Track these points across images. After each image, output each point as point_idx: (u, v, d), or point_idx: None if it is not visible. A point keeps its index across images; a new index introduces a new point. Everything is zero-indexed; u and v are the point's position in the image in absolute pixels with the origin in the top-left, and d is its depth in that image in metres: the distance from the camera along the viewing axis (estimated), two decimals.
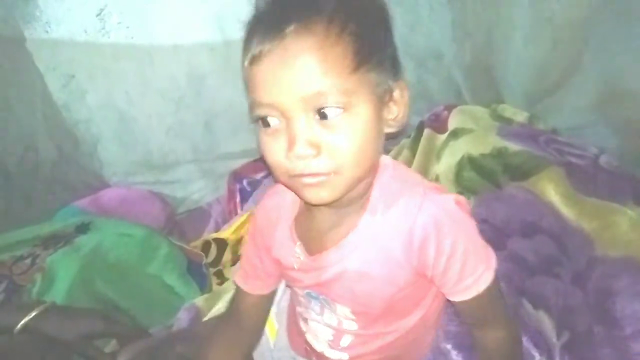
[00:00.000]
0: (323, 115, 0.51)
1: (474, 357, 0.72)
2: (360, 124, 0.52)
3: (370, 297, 0.62)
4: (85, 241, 1.13)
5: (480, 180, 1.03)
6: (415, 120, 1.36)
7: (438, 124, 1.28)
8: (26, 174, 1.46)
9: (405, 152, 1.26)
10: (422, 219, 0.57)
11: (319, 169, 0.52)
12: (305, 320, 0.72)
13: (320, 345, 0.71)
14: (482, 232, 0.91)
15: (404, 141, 1.33)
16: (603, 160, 1.06)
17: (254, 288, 0.75)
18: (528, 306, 0.77)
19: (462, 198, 0.62)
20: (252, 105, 0.54)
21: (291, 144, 0.51)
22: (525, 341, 0.71)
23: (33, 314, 0.82)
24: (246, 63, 0.53)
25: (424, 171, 1.17)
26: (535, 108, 1.27)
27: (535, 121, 1.25)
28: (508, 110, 1.30)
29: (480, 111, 1.30)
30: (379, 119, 0.55)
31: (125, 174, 1.59)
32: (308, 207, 0.64)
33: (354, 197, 0.60)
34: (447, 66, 1.44)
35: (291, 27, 0.49)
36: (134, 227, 1.23)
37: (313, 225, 0.64)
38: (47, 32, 1.40)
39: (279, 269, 0.71)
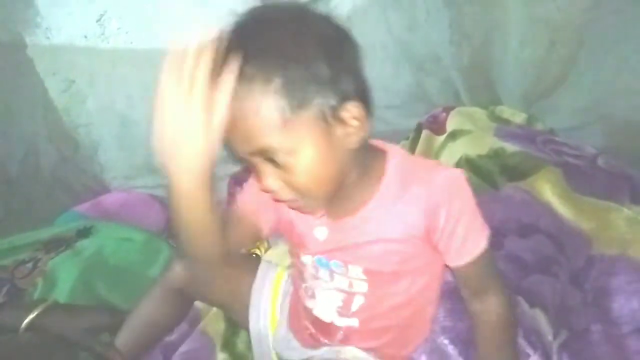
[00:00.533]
0: (273, 163, 0.57)
1: (469, 351, 0.73)
2: (309, 160, 0.57)
3: (383, 258, 0.68)
4: (86, 245, 1.14)
5: (477, 181, 1.04)
6: (414, 123, 1.37)
7: (436, 125, 1.28)
8: (27, 178, 1.47)
9: None
10: (435, 186, 0.64)
11: (286, 198, 0.61)
12: (313, 294, 0.74)
13: (329, 315, 0.73)
14: None
15: (402, 143, 1.34)
16: (601, 160, 1.06)
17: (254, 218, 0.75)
18: (524, 305, 0.78)
19: (465, 175, 0.68)
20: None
21: (258, 182, 0.61)
22: (520, 339, 0.72)
23: (37, 311, 0.83)
24: None
25: None
26: (533, 109, 1.28)
27: (533, 122, 1.25)
28: (506, 112, 1.31)
29: (478, 112, 1.30)
30: (331, 143, 0.58)
31: (126, 177, 1.60)
32: None
33: (361, 178, 0.65)
34: (445, 68, 1.44)
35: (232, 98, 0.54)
36: (135, 231, 1.24)
37: (337, 198, 0.66)
38: (47, 38, 1.42)
39: (283, 224, 0.74)
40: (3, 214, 1.46)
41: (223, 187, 1.61)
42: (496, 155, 1.08)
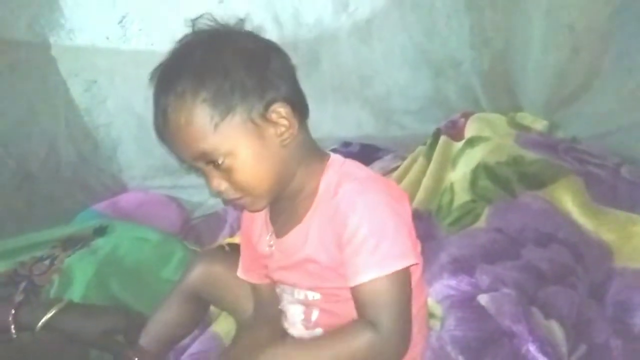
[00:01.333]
0: (215, 166, 0.64)
1: None
2: (244, 160, 0.64)
3: (320, 276, 0.69)
4: (102, 244, 1.15)
5: (495, 188, 1.01)
6: (432, 128, 1.35)
7: (455, 131, 1.26)
8: (48, 176, 1.50)
9: (421, 159, 1.25)
10: (340, 201, 0.64)
11: (231, 197, 0.66)
12: (284, 314, 0.77)
13: (297, 330, 0.75)
14: (495, 242, 0.92)
15: (419, 148, 1.32)
16: (624, 170, 1.03)
17: (254, 277, 0.83)
18: (539, 315, 0.75)
19: (398, 194, 0.68)
20: None
21: (208, 186, 0.66)
22: (534, 350, 0.69)
23: (53, 311, 0.84)
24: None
25: (439, 178, 1.16)
26: (555, 116, 1.25)
27: (555, 129, 1.23)
28: (527, 118, 1.29)
29: (498, 119, 1.28)
30: (264, 142, 0.64)
31: (143, 177, 1.61)
32: (277, 198, 0.73)
33: (296, 192, 0.70)
34: (464, 73, 1.43)
35: (164, 107, 0.62)
36: (150, 231, 1.24)
37: (281, 212, 0.74)
38: (71, 39, 1.45)
39: (260, 260, 0.79)
40: (24, 210, 1.49)
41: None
42: (515, 162, 1.05)
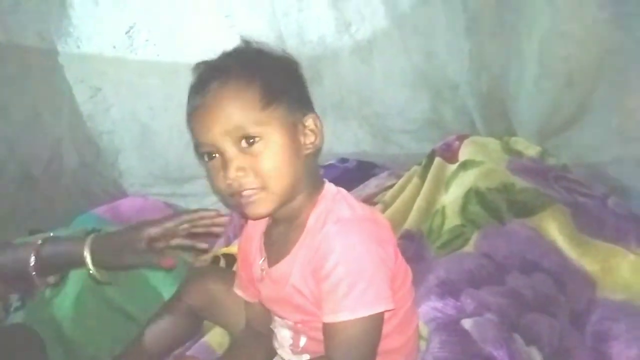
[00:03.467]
0: (250, 143, 0.65)
1: None
2: (276, 148, 0.66)
3: (304, 312, 0.70)
4: None
5: (484, 214, 1.04)
6: (428, 147, 1.38)
7: (449, 153, 1.29)
8: (50, 179, 1.53)
9: (415, 180, 1.28)
10: (322, 239, 0.66)
11: (248, 186, 0.66)
12: (276, 335, 0.79)
13: (286, 353, 0.77)
14: (482, 267, 0.94)
15: (414, 168, 1.35)
16: (611, 201, 1.06)
17: (249, 295, 0.84)
18: (520, 342, 0.78)
19: (381, 237, 0.68)
20: (196, 145, 0.69)
21: (225, 169, 0.66)
22: None
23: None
24: (188, 115, 0.69)
25: (432, 200, 1.18)
26: (548, 143, 1.28)
27: (547, 156, 1.25)
28: (520, 144, 1.31)
29: (492, 143, 1.30)
30: (294, 143, 0.68)
31: (143, 184, 1.64)
32: (273, 222, 0.77)
33: (292, 217, 0.72)
34: (462, 96, 1.45)
35: (214, 85, 0.66)
36: None
37: (275, 240, 0.75)
38: (78, 46, 1.48)
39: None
40: (26, 212, 1.52)
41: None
42: (506, 189, 1.08)
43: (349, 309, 0.63)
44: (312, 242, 0.67)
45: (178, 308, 0.93)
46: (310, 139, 0.69)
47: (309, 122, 0.69)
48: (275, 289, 0.73)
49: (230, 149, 0.65)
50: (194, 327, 0.98)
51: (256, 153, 0.65)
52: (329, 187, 0.73)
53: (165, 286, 1.14)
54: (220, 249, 1.47)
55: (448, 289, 0.89)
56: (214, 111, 0.65)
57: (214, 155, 0.67)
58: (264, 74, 0.67)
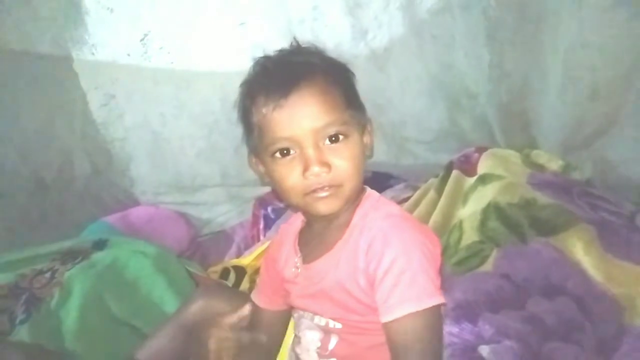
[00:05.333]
0: (332, 141, 0.67)
1: None
2: (355, 147, 0.69)
3: (345, 308, 0.70)
4: (101, 257, 1.16)
5: (505, 231, 0.99)
6: (445, 158, 1.33)
7: (468, 166, 1.24)
8: (61, 186, 1.53)
9: (432, 193, 1.23)
10: (376, 235, 0.67)
11: (329, 182, 0.67)
12: (299, 341, 0.78)
13: (310, 358, 0.75)
14: (501, 289, 0.89)
15: (431, 180, 1.30)
16: (639, 218, 1.00)
17: (263, 302, 0.84)
18: None
19: (433, 237, 0.70)
20: (272, 141, 0.69)
21: (307, 165, 0.67)
22: None
23: None
24: (266, 110, 0.68)
25: (449, 214, 1.14)
26: (572, 156, 1.23)
27: (570, 170, 1.19)
28: (542, 157, 1.25)
29: (513, 156, 1.25)
30: (363, 144, 0.72)
31: (155, 193, 1.63)
32: (308, 223, 0.78)
33: (334, 216, 0.72)
34: (481, 106, 1.41)
35: (301, 83, 0.67)
36: (149, 246, 1.25)
37: (311, 239, 0.77)
38: (93, 54, 1.48)
39: (283, 285, 0.81)
40: (37, 219, 1.52)
41: (248, 209, 1.63)
42: (527, 205, 1.03)
43: (415, 299, 0.63)
44: (359, 239, 0.68)
45: (180, 325, 0.90)
46: (369, 141, 0.73)
47: (370, 125, 0.73)
48: (312, 286, 0.73)
49: (315, 146, 0.67)
50: (194, 344, 0.95)
51: (338, 150, 0.67)
52: (372, 191, 0.75)
53: (169, 301, 1.12)
54: (230, 260, 1.45)
55: (464, 313, 0.84)
56: (303, 109, 0.66)
57: (290, 151, 0.68)
58: (344, 74, 0.71)
